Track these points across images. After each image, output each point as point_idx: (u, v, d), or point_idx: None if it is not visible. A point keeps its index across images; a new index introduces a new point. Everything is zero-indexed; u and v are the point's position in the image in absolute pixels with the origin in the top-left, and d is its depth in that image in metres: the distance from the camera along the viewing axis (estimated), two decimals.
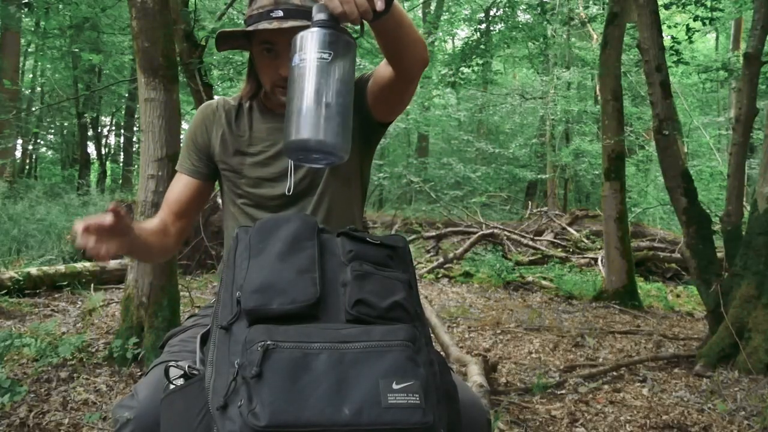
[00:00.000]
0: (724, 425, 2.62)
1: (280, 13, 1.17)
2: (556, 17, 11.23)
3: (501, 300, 5.84)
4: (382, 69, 1.20)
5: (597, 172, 13.07)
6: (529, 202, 14.28)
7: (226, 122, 1.35)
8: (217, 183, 1.42)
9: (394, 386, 0.79)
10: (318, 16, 0.88)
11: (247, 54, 1.37)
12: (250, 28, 1.19)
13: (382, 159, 14.84)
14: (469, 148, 15.99)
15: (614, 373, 3.35)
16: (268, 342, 0.80)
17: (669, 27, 6.85)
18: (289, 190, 1.29)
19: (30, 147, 16.27)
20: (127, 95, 14.94)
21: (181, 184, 1.37)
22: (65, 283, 4.87)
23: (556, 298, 5.99)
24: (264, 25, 1.17)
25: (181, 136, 3.26)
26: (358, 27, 0.97)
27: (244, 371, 0.79)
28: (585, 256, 8.00)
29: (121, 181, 15.99)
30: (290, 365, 0.78)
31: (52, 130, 17.11)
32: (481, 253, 8.57)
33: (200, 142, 1.36)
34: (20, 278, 4.59)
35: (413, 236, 9.01)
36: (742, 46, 10.95)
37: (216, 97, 2.20)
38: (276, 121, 1.32)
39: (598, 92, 8.93)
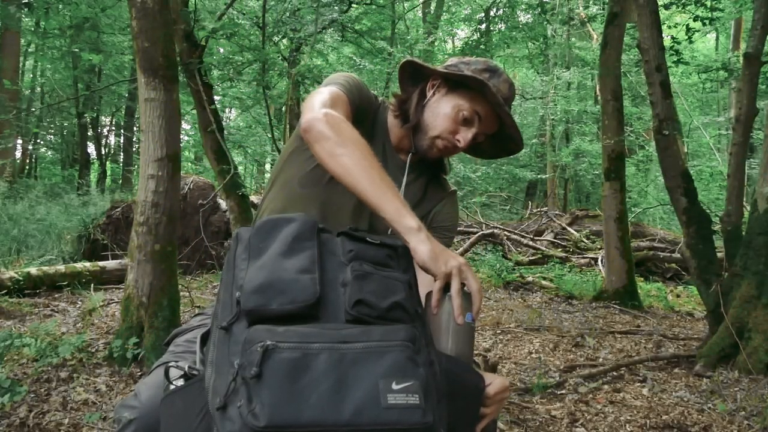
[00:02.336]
0: (724, 425, 2.61)
1: (507, 109, 1.29)
2: (556, 17, 11.24)
3: (501, 300, 5.84)
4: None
5: (597, 172, 13.08)
6: (529, 202, 14.29)
7: (371, 122, 1.33)
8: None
9: (394, 386, 0.79)
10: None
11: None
12: (502, 107, 1.26)
13: None
14: None
15: (614, 373, 3.35)
16: (268, 342, 0.79)
17: (669, 27, 6.86)
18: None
19: (30, 147, 16.27)
20: (127, 95, 14.95)
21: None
22: (65, 283, 4.86)
23: (556, 298, 5.99)
24: (504, 108, 1.27)
25: (181, 136, 3.26)
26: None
27: (244, 371, 0.78)
28: (585, 256, 8.00)
29: (121, 181, 15.99)
30: (290, 365, 0.78)
31: (52, 130, 17.11)
32: (481, 253, 8.57)
33: (362, 102, 1.28)
34: (20, 278, 4.59)
35: None
36: (742, 46, 10.95)
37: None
38: (396, 168, 1.33)
39: (598, 92, 8.94)
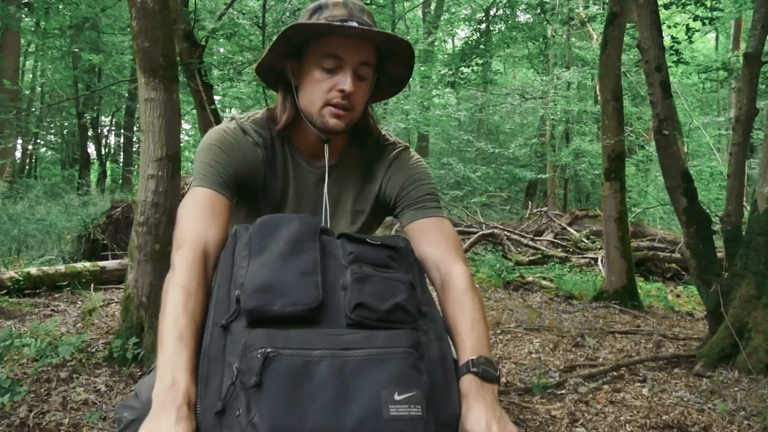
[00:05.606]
0: (724, 425, 2.61)
1: (355, 24, 1.08)
2: (556, 17, 11.23)
3: (501, 300, 5.84)
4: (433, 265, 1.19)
5: (597, 172, 13.08)
6: (529, 202, 14.27)
7: (267, 164, 1.21)
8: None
9: (396, 397, 0.78)
10: None
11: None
12: (336, 23, 1.07)
13: None
14: (469, 148, 16.00)
15: (614, 373, 3.35)
16: (268, 349, 0.78)
17: (669, 27, 6.85)
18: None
19: (30, 147, 16.28)
20: (127, 95, 14.96)
21: (217, 205, 1.16)
22: (65, 283, 4.86)
23: (556, 298, 5.99)
24: (344, 31, 1.08)
25: (181, 136, 3.25)
26: None
27: (243, 377, 0.78)
28: (585, 256, 8.00)
29: (121, 181, 16.00)
30: (291, 374, 0.77)
31: (52, 130, 17.12)
32: (481, 253, 8.57)
33: (242, 170, 1.17)
34: (20, 278, 4.59)
35: None
36: (742, 46, 10.95)
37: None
38: (313, 171, 1.24)
39: (598, 92, 8.92)
